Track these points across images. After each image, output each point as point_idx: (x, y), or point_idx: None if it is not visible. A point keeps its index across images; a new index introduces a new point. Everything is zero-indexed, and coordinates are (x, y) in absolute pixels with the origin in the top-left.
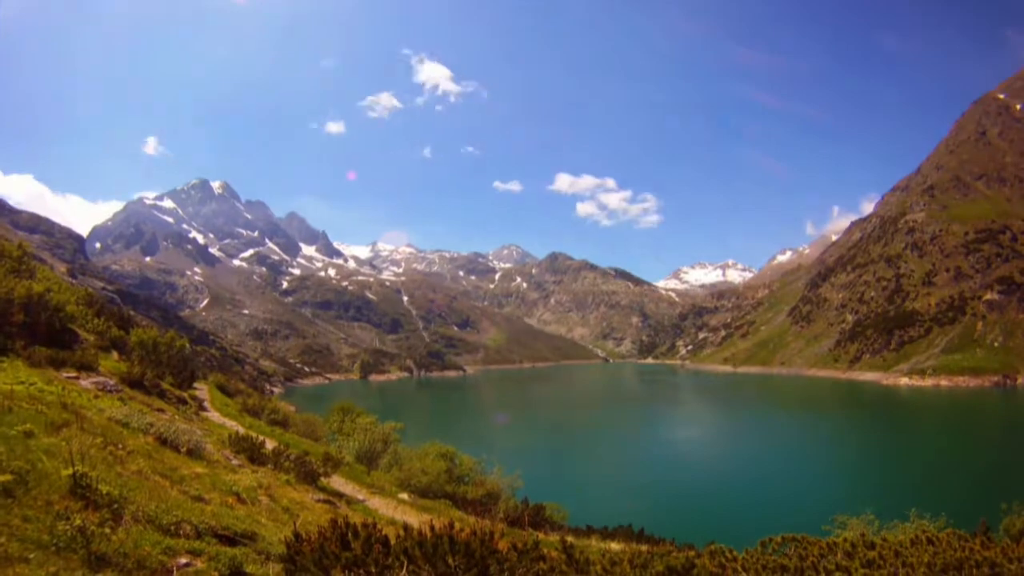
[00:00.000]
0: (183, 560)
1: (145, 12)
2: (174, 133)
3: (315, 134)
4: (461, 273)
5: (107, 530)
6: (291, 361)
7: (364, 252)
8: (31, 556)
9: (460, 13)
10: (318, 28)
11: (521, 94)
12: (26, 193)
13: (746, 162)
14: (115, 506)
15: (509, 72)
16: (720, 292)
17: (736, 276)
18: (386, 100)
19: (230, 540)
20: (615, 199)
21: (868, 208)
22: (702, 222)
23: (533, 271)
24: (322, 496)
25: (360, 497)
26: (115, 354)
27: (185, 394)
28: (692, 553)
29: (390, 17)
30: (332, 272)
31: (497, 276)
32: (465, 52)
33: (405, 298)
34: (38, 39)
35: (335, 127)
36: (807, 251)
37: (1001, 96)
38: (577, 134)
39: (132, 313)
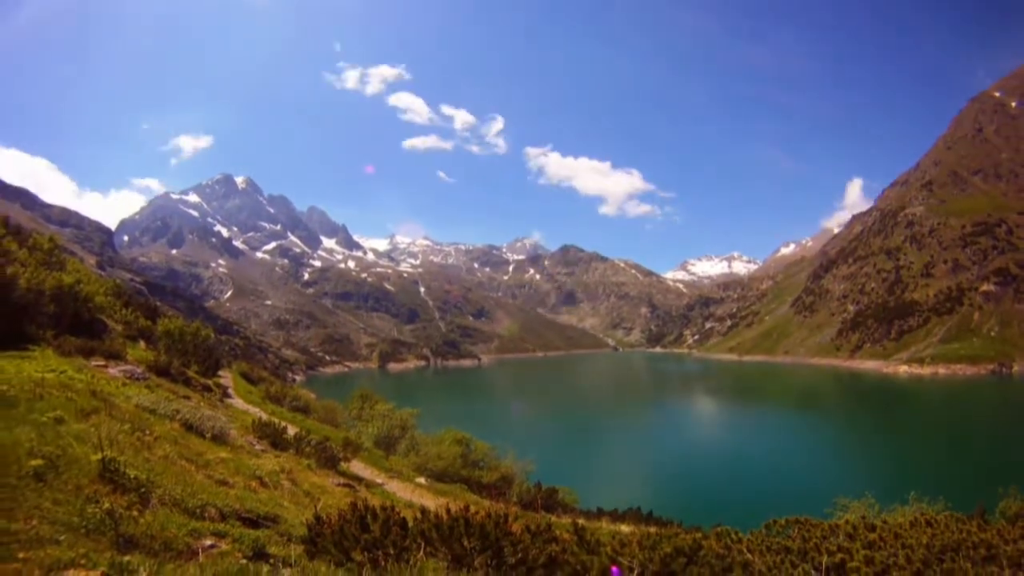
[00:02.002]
0: (208, 542)
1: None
2: (198, 129)
3: (334, 129)
4: (476, 265)
5: (135, 513)
6: (312, 350)
7: (382, 245)
8: (62, 538)
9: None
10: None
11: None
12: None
13: (751, 157)
14: (143, 490)
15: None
16: (726, 283)
17: (741, 268)
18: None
19: (253, 522)
20: (625, 192)
21: (868, 202)
22: (708, 215)
23: (546, 263)
24: (342, 480)
25: (379, 481)
26: (142, 343)
27: (210, 382)
28: (699, 535)
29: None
30: (352, 264)
31: (511, 268)
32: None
33: (422, 289)
34: (62, 37)
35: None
36: (810, 244)
37: (997, 94)
38: (583, 126)
39: (159, 304)
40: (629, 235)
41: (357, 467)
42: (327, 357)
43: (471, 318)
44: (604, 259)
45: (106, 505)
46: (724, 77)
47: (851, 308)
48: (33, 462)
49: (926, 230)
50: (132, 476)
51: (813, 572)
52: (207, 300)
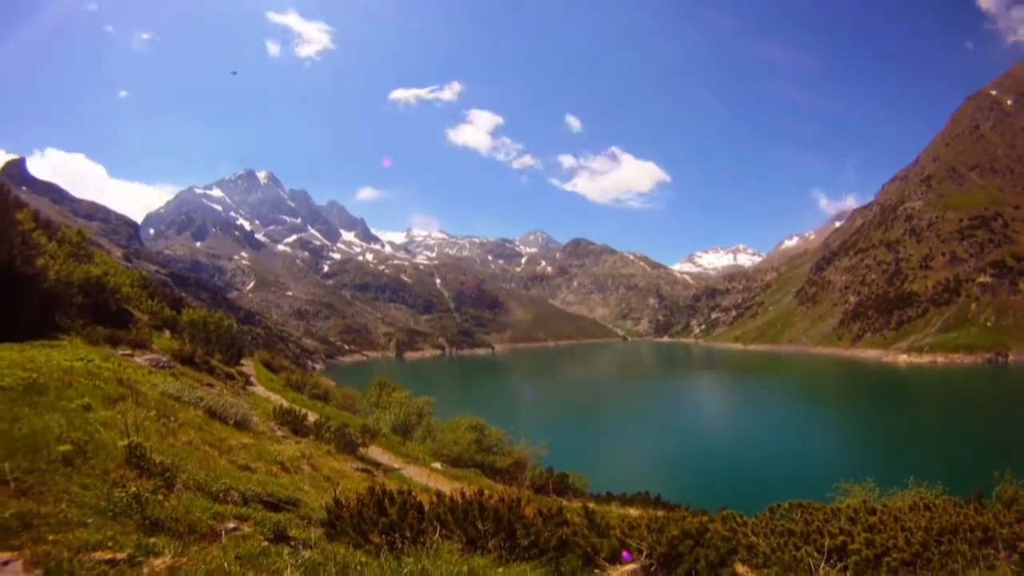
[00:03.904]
0: (231, 525)
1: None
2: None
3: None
4: (490, 257)
5: (160, 497)
6: (331, 339)
7: (399, 238)
8: (89, 521)
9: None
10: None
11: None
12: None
13: (755, 152)
14: (167, 474)
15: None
16: (731, 275)
17: (746, 260)
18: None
19: (275, 506)
20: (631, 185)
21: (868, 197)
22: (714, 209)
23: (557, 255)
24: (360, 465)
25: (396, 466)
26: (167, 333)
27: (233, 370)
28: (705, 518)
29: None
30: (370, 256)
31: (523, 260)
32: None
33: (438, 281)
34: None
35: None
36: (812, 237)
37: (993, 92)
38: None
39: (183, 295)
40: (638, 228)
41: (375, 453)
42: (346, 346)
43: (485, 309)
44: (613, 252)
45: (132, 489)
46: (732, 75)
47: (852, 299)
48: (62, 447)
49: (925, 224)
50: (157, 461)
51: (816, 554)
52: (230, 291)
